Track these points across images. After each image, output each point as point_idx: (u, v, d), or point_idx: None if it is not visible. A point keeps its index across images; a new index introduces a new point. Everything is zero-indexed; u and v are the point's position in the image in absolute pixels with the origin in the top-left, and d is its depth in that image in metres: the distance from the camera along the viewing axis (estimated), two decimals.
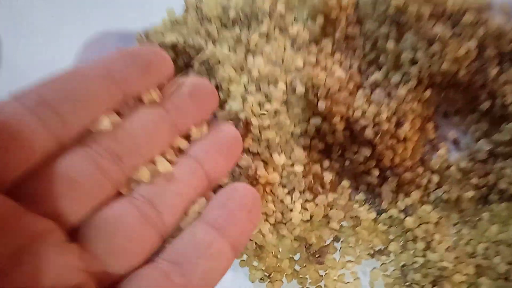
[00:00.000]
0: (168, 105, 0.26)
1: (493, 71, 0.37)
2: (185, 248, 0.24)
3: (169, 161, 0.26)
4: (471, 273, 0.36)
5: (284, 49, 0.38)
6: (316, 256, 0.38)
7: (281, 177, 0.37)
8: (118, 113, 0.25)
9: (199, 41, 0.39)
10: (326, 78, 0.37)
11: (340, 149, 0.38)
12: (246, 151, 0.37)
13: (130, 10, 0.42)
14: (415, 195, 0.37)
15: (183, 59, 0.39)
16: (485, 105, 0.38)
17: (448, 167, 0.38)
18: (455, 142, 0.40)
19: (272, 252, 0.38)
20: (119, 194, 0.25)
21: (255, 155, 0.37)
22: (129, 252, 0.23)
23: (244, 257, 0.38)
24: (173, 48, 0.39)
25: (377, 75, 0.38)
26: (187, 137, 0.28)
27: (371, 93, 0.38)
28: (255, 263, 0.37)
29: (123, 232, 0.23)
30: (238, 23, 0.39)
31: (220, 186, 0.27)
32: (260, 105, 0.37)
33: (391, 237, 0.38)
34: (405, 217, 0.37)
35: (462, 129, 0.40)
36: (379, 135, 0.36)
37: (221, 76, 0.37)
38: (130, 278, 0.23)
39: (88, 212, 0.23)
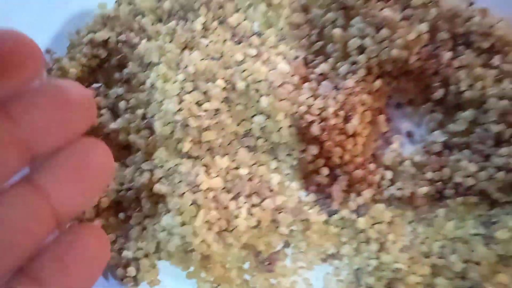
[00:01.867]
0: (20, 117, 0.18)
1: (446, 55, 0.34)
2: None
3: None
4: (426, 274, 0.34)
5: (224, 42, 0.35)
6: (266, 263, 0.35)
7: (225, 181, 0.35)
8: None
9: (132, 36, 0.35)
10: (268, 72, 0.34)
11: (287, 148, 0.35)
12: (186, 155, 0.34)
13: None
14: (367, 193, 0.35)
15: (116, 57, 0.36)
16: (439, 93, 0.35)
17: (401, 162, 0.36)
18: (409, 135, 0.37)
19: (219, 262, 0.35)
20: None
21: (196, 159, 0.34)
22: None
23: (191, 268, 0.35)
24: (105, 45, 0.36)
25: (324, 66, 0.35)
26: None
27: (318, 86, 0.35)
28: (202, 275, 0.35)
29: None
30: (173, 16, 0.36)
31: None
32: (198, 104, 0.34)
33: (343, 239, 0.36)
34: (357, 218, 0.35)
35: (416, 120, 0.37)
36: (326, 131, 0.34)
37: (155, 74, 0.34)
38: None
39: None
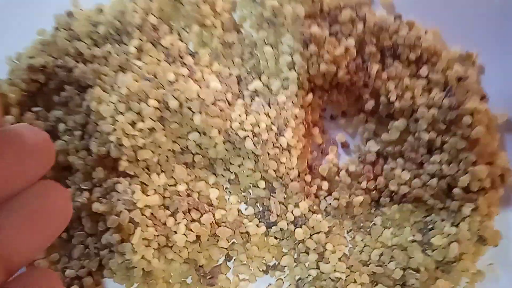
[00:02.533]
0: None
1: (375, 68, 0.35)
2: None
3: None
4: (366, 282, 0.35)
5: (158, 63, 0.36)
6: (208, 277, 0.36)
7: (162, 198, 0.35)
8: None
9: (68, 61, 0.36)
10: (200, 90, 0.34)
11: (224, 163, 0.36)
12: (123, 174, 0.35)
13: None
14: (304, 204, 0.35)
15: (54, 81, 0.37)
16: (370, 104, 0.35)
17: (337, 172, 0.36)
18: (344, 145, 0.37)
19: (162, 278, 0.35)
20: None
21: (133, 177, 0.35)
22: None
23: (135, 285, 0.35)
24: (43, 70, 0.37)
25: (256, 83, 0.36)
26: None
27: (251, 102, 0.36)
28: None
29: None
30: (109, 40, 0.37)
31: None
32: (132, 124, 0.34)
33: (284, 250, 0.36)
34: (295, 229, 0.35)
35: (350, 131, 0.37)
36: (260, 145, 0.34)
37: (90, 97, 0.35)
38: None
39: None
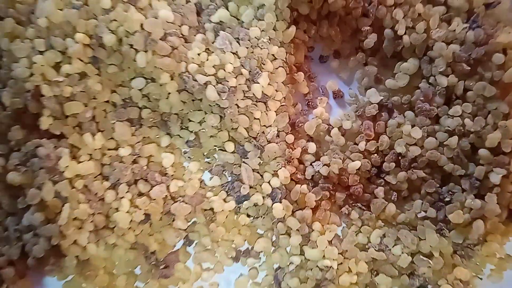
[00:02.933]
0: None
1: None
2: None
3: None
4: (364, 272, 0.29)
5: None
6: (162, 267, 0.30)
7: (100, 166, 0.29)
8: None
9: None
10: (145, 22, 0.27)
11: (180, 120, 0.30)
12: (46, 134, 0.28)
13: None
14: (285, 172, 0.29)
15: None
16: (370, 40, 0.29)
17: (328, 131, 0.30)
18: (337, 95, 0.31)
19: (103, 268, 0.30)
20: None
21: (60, 138, 0.29)
22: None
23: (69, 277, 0.30)
24: None
25: (221, 12, 0.29)
26: None
27: (215, 37, 0.29)
28: (83, 285, 0.30)
29: None
30: None
31: None
32: (56, 67, 0.28)
33: (259, 232, 0.31)
34: (273, 204, 0.29)
35: (345, 76, 0.31)
36: (226, 95, 0.28)
37: (1, 32, 0.28)
38: None
39: None
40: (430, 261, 0.29)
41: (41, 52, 0.28)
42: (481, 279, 0.30)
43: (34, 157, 0.29)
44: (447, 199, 0.29)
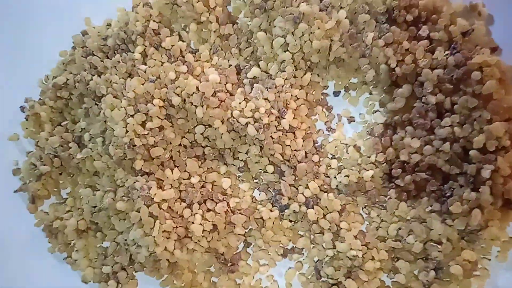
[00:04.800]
0: None
1: (370, 36, 0.34)
2: None
3: None
4: (385, 258, 0.34)
5: (162, 65, 0.38)
6: (229, 264, 0.37)
7: (178, 191, 0.37)
8: None
9: (85, 75, 0.39)
10: (199, 85, 0.35)
11: (232, 152, 0.37)
12: (140, 172, 0.37)
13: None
14: (314, 185, 0.35)
15: (75, 96, 0.40)
16: (370, 75, 0.34)
17: (345, 149, 0.36)
18: (350, 120, 0.36)
19: (187, 268, 0.37)
20: None
21: (149, 174, 0.37)
22: None
23: (164, 277, 0.37)
24: (66, 86, 0.40)
25: (254, 70, 0.36)
26: None
27: (251, 90, 0.36)
28: (175, 282, 0.37)
29: None
30: (117, 50, 0.39)
31: None
32: (142, 124, 0.36)
33: (300, 233, 0.36)
34: (307, 210, 0.35)
35: (355, 104, 0.37)
36: (262, 130, 0.35)
37: (105, 105, 0.37)
38: None
39: None
40: (440, 246, 0.32)
41: (132, 116, 0.36)
42: (489, 260, 0.32)
43: (133, 189, 0.36)
44: (448, 194, 0.32)
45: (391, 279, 0.34)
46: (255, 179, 0.37)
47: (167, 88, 0.36)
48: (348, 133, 0.36)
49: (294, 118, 0.35)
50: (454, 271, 0.32)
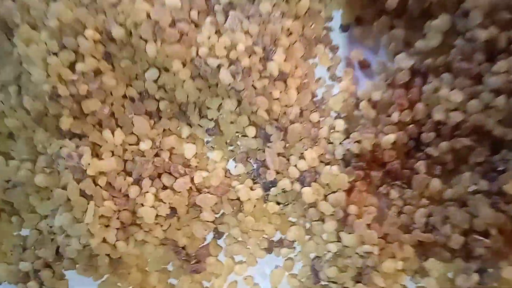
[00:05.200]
0: None
1: None
2: None
3: None
4: (409, 256, 0.27)
5: None
6: (193, 262, 0.30)
7: (121, 161, 0.29)
8: None
9: None
10: (151, 11, 0.27)
11: (198, 108, 0.29)
12: (68, 134, 0.29)
13: None
14: (312, 154, 0.28)
15: None
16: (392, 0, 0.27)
17: (356, 105, 0.29)
18: (363, 65, 0.30)
19: (135, 266, 0.31)
20: None
21: (81, 138, 0.29)
22: None
23: (104, 277, 0.31)
24: None
25: None
26: None
27: (226, 19, 0.28)
28: (119, 284, 0.31)
29: None
30: None
31: None
32: (70, 66, 0.28)
33: (291, 219, 0.30)
34: (302, 188, 0.28)
35: (370, 44, 0.30)
36: (240, 76, 0.27)
37: (19, 39, 0.28)
38: None
39: None
40: (486, 240, 0.26)
41: (55, 54, 0.28)
42: None
43: (58, 158, 0.29)
44: (500, 168, 0.26)
45: (416, 284, 0.29)
46: (230, 145, 0.31)
47: (105, 15, 0.28)
48: (360, 83, 0.30)
49: (285, 60, 0.28)
50: (506, 274, 0.26)
